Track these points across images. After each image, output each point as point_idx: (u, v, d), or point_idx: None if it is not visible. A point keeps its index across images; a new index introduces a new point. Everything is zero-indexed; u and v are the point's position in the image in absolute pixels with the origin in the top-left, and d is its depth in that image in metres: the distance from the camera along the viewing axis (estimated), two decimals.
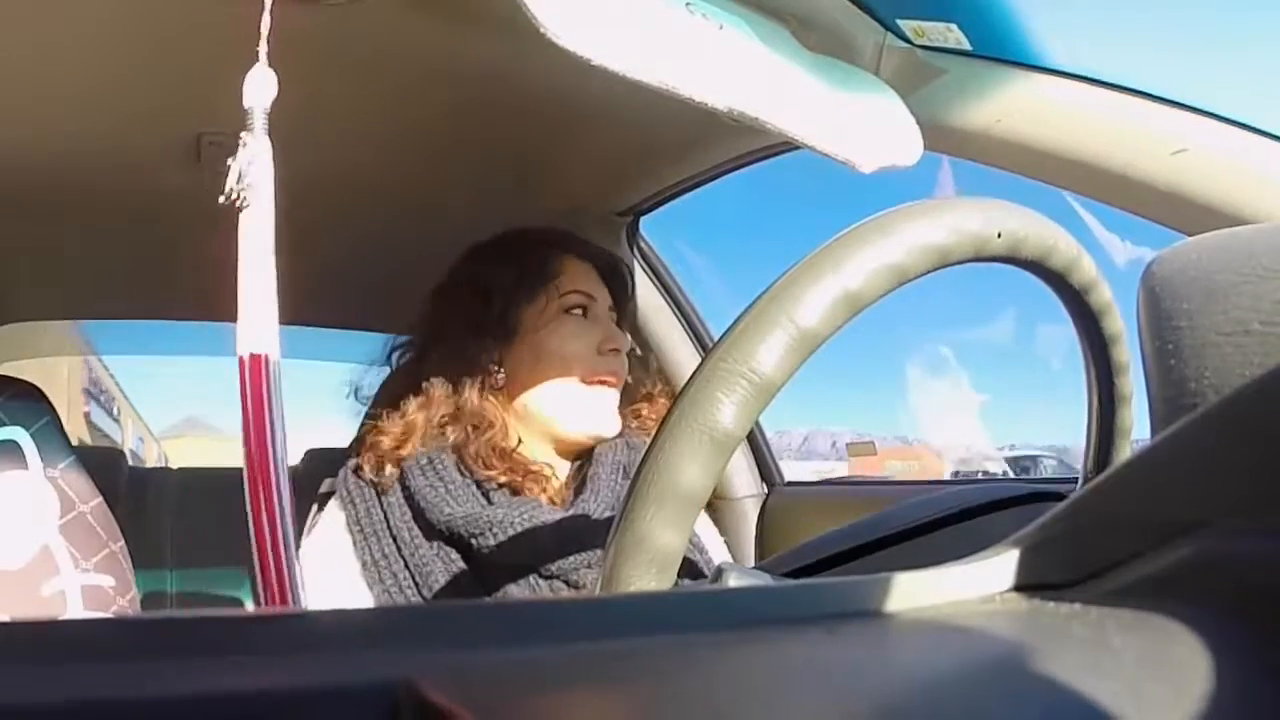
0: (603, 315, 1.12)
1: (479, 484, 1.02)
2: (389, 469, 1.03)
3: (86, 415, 7.14)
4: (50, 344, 2.37)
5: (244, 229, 0.59)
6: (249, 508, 0.53)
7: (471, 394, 1.05)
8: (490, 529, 0.96)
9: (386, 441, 1.04)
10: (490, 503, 1.00)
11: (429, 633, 0.25)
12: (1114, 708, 0.23)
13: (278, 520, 0.53)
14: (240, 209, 0.59)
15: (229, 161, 0.59)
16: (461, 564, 0.98)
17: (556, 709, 0.23)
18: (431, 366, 1.08)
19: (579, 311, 1.10)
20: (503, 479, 1.02)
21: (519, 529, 0.96)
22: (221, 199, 0.59)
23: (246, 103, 0.60)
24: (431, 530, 1.00)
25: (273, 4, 0.60)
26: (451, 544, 0.99)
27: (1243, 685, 0.25)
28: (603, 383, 1.08)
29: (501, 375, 1.07)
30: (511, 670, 0.24)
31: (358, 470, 1.06)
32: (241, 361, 0.57)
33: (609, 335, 1.09)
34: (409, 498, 1.02)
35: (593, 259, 1.16)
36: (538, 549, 0.97)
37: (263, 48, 0.60)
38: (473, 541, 0.97)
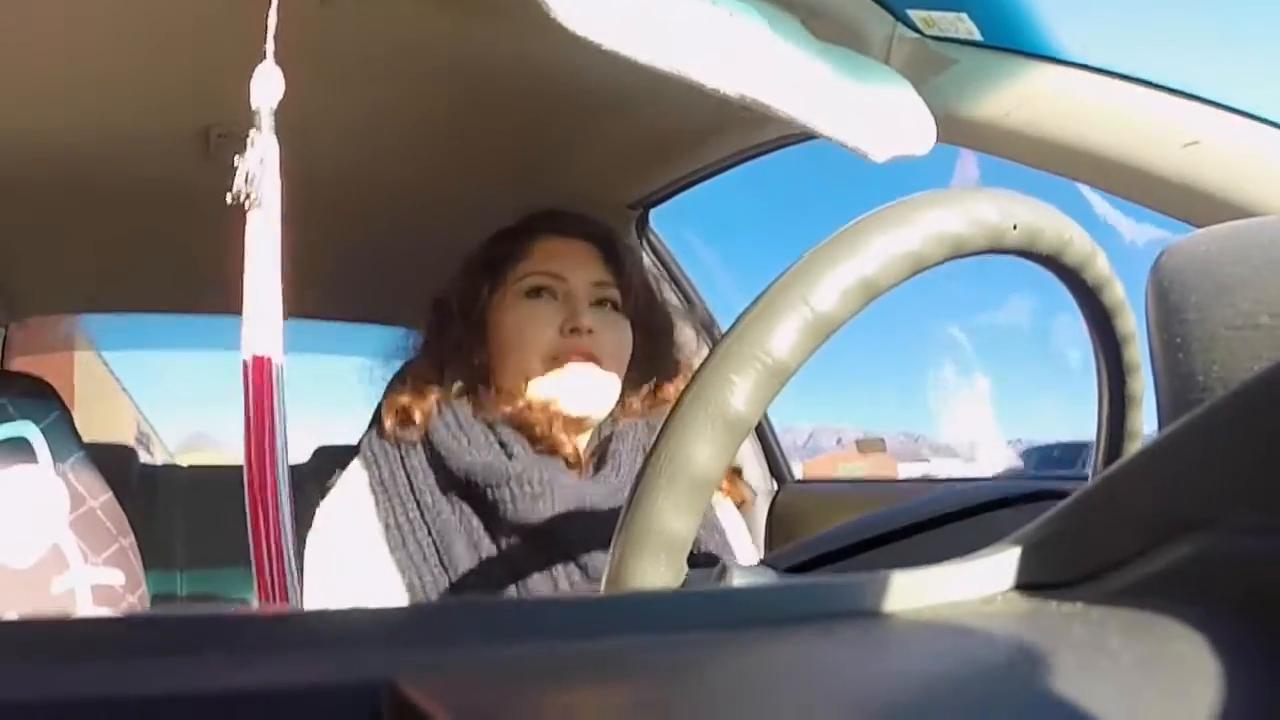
0: (576, 293, 1.07)
1: (497, 435, 1.01)
2: (418, 416, 1.03)
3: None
4: (59, 340, 2.39)
5: (251, 230, 0.59)
6: (247, 506, 0.54)
7: (459, 379, 1.06)
8: (509, 482, 0.95)
9: (404, 398, 1.04)
10: (511, 456, 0.99)
11: (414, 632, 0.25)
12: (1107, 710, 0.22)
13: (275, 519, 0.53)
14: (248, 209, 0.59)
15: (237, 157, 0.59)
16: (482, 532, 0.97)
17: (539, 710, 0.23)
18: (432, 352, 1.09)
19: (541, 293, 1.07)
20: (520, 416, 1.02)
21: (537, 487, 0.95)
22: (229, 198, 0.59)
23: (254, 102, 0.60)
24: (451, 481, 0.99)
25: None
26: (471, 502, 0.98)
27: (1244, 685, 0.25)
28: (572, 360, 1.04)
29: (482, 362, 1.07)
30: (495, 670, 0.24)
31: (380, 431, 1.05)
32: (245, 364, 0.57)
33: (571, 314, 1.04)
34: (432, 454, 1.01)
35: (572, 234, 1.11)
36: (556, 513, 0.95)
37: (269, 45, 0.60)
38: (488, 493, 0.96)
